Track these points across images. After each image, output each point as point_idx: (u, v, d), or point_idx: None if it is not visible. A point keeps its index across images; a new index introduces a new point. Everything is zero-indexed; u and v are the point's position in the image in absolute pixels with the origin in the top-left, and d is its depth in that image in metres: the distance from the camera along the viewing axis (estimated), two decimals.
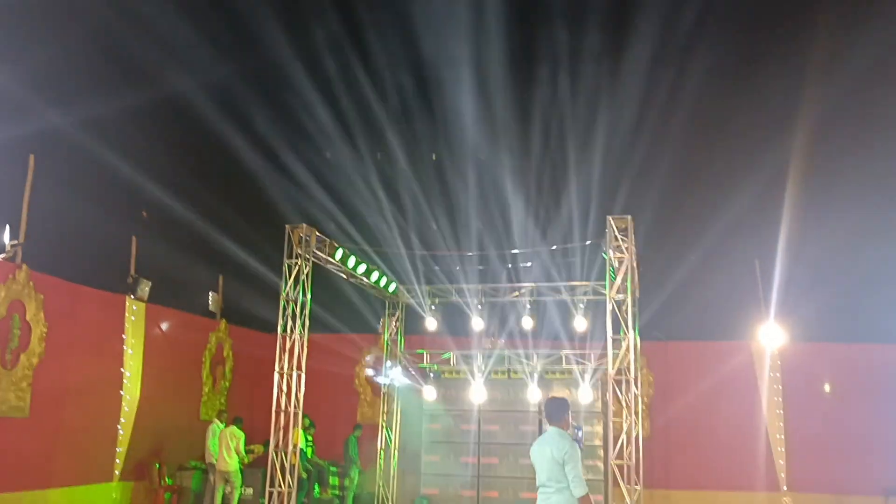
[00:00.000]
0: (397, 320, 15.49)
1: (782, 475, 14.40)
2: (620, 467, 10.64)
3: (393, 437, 15.13)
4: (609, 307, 10.99)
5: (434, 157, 15.51)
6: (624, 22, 13.44)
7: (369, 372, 15.58)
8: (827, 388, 14.70)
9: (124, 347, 12.68)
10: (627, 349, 11.10)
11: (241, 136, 16.46)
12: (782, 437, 14.53)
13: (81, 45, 11.45)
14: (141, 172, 12.64)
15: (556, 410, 5.72)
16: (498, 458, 14.71)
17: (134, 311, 12.90)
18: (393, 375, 14.82)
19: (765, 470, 14.42)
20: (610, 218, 11.27)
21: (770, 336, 14.65)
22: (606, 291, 11.40)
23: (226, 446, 12.97)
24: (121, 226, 12.93)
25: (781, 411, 14.65)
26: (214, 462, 12.99)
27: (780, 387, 14.77)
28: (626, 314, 11.03)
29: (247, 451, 13.43)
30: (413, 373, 14.98)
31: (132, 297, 12.85)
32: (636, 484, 11.36)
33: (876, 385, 14.25)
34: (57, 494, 11.28)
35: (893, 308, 14.49)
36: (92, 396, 11.99)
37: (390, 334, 15.36)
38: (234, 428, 13.16)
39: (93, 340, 12.12)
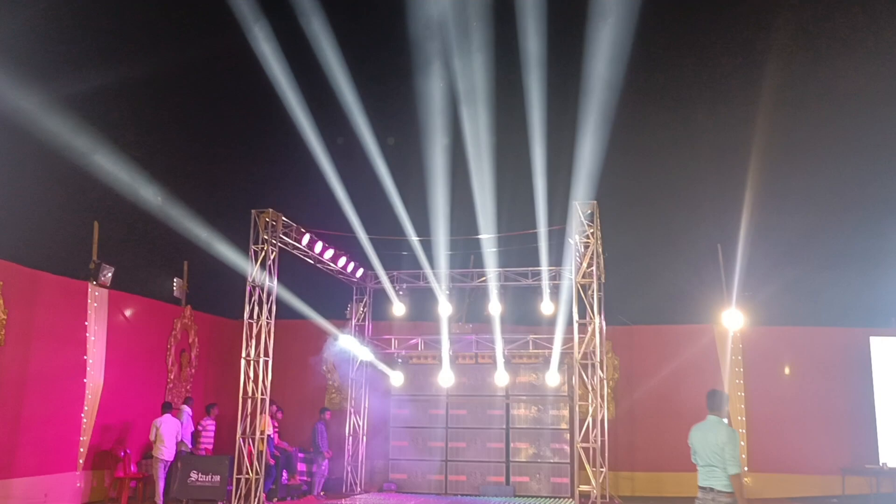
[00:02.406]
0: (365, 306, 15.48)
1: (744, 456, 14.72)
2: (586, 450, 10.80)
3: (361, 423, 15.16)
4: (575, 292, 11.11)
5: (392, 142, 15.40)
6: (586, 17, 13.49)
7: (336, 349, 15.34)
8: (787, 370, 15.04)
9: (87, 335, 12.49)
10: (593, 333, 11.25)
11: (206, 119, 16.26)
12: (743, 418, 14.84)
13: (38, 23, 11.18)
14: (102, 156, 12.41)
15: (718, 401, 6.58)
16: (466, 442, 14.84)
17: (96, 298, 12.70)
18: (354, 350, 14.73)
19: None
20: (576, 203, 11.36)
21: (732, 319, 14.94)
22: (572, 276, 11.52)
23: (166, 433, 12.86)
24: (82, 211, 12.70)
25: (743, 393, 14.97)
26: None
27: (742, 369, 15.08)
28: (592, 299, 11.16)
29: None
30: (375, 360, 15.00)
31: (94, 283, 12.64)
32: (602, 466, 11.56)
33: (834, 367, 14.61)
34: (20, 484, 11.11)
35: (851, 292, 14.87)
36: (54, 385, 11.81)
37: (358, 320, 15.34)
38: (185, 409, 13.13)
39: (55, 328, 11.91)
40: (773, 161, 15.21)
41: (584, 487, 10.75)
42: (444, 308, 14.60)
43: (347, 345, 14.47)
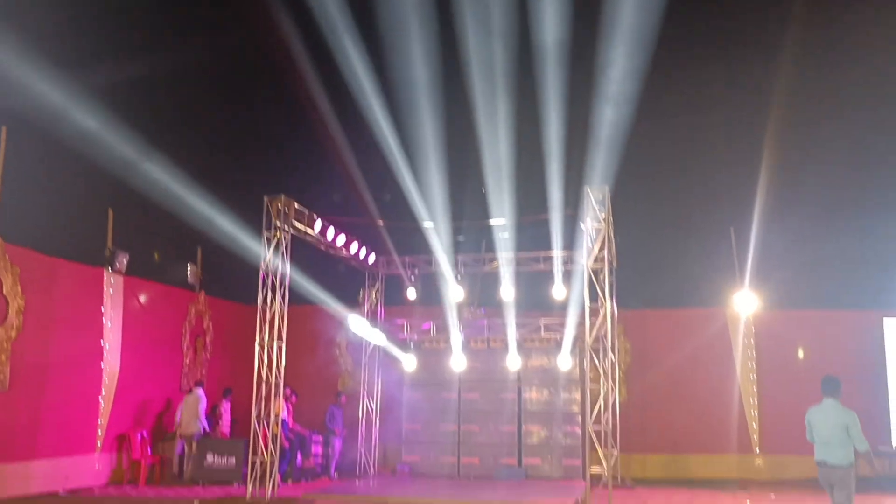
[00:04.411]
0: (377, 291, 15.57)
1: (755, 438, 14.76)
2: (598, 432, 10.86)
3: (374, 406, 15.29)
4: (586, 276, 11.13)
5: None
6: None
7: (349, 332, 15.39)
8: (800, 353, 15.01)
9: (103, 320, 12.68)
10: (604, 317, 11.27)
11: (218, 106, 16.32)
12: (755, 401, 14.87)
13: (56, 17, 11.25)
14: (117, 143, 12.51)
15: (834, 387, 7.61)
16: (478, 425, 14.94)
17: (112, 284, 12.87)
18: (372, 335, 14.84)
19: (738, 433, 14.78)
20: (588, 188, 11.34)
21: (745, 303, 14.92)
22: (584, 261, 11.52)
23: (190, 410, 13.33)
24: (97, 198, 12.83)
25: (755, 376, 14.97)
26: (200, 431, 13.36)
27: (754, 353, 15.08)
28: (604, 283, 11.17)
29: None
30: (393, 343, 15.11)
31: (110, 269, 12.81)
32: (613, 448, 11.63)
33: (847, 350, 14.51)
34: (41, 465, 11.34)
35: (865, 274, 14.78)
36: (72, 369, 12.01)
37: (370, 305, 15.44)
38: (197, 391, 13.60)
39: (71, 313, 12.10)
40: (788, 142, 15.08)
41: (595, 469, 10.80)
42: (456, 293, 14.66)
43: (358, 326, 14.54)
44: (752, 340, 15.14)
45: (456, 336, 14.56)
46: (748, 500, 11.92)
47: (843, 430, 7.28)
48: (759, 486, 13.66)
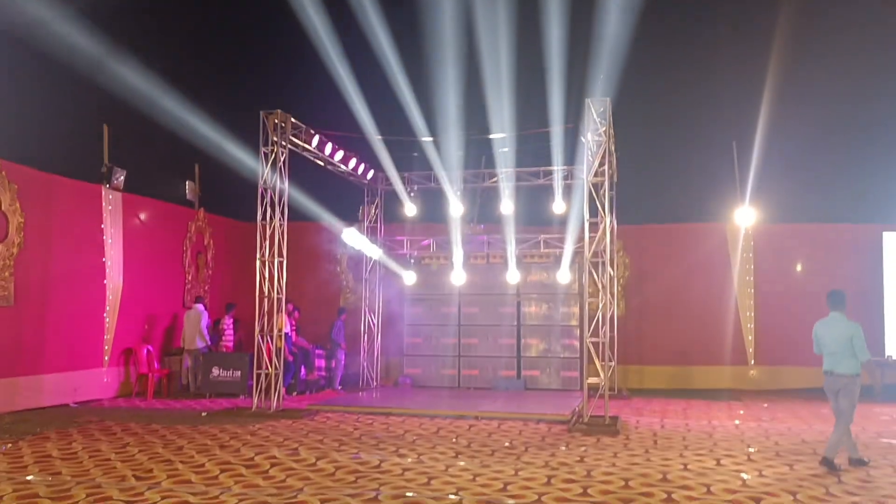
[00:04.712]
0: (376, 207, 15.55)
1: (750, 350, 15.03)
2: (595, 344, 11.02)
3: (375, 321, 15.51)
4: (586, 191, 11.07)
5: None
6: None
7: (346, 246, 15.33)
8: (798, 267, 15.12)
9: (104, 237, 12.71)
10: (604, 232, 11.28)
11: (213, 20, 15.91)
12: (752, 314, 15.06)
13: None
14: (112, 58, 12.24)
15: (839, 300, 7.88)
16: (478, 339, 15.20)
17: (110, 201, 12.85)
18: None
19: (733, 345, 15.04)
20: (589, 101, 11.15)
21: (744, 217, 14.92)
22: (585, 175, 11.43)
23: (192, 326, 13.62)
24: (92, 114, 12.65)
25: (752, 290, 15.12)
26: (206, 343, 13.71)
27: (752, 266, 15.18)
28: (603, 198, 11.13)
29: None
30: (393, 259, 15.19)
31: (108, 186, 12.76)
32: (611, 360, 11.84)
33: (846, 263, 14.60)
34: (50, 380, 11.60)
35: (865, 188, 14.73)
36: (76, 285, 12.12)
37: (370, 221, 15.44)
38: (197, 306, 13.88)
39: (72, 230, 12.13)
40: (792, 55, 14.77)
41: (592, 380, 11.01)
42: (456, 209, 14.62)
43: (352, 239, 14.51)
44: (751, 254, 15.22)
45: (456, 252, 14.61)
46: (742, 409, 12.21)
47: (848, 341, 7.56)
48: (753, 396, 14.00)
